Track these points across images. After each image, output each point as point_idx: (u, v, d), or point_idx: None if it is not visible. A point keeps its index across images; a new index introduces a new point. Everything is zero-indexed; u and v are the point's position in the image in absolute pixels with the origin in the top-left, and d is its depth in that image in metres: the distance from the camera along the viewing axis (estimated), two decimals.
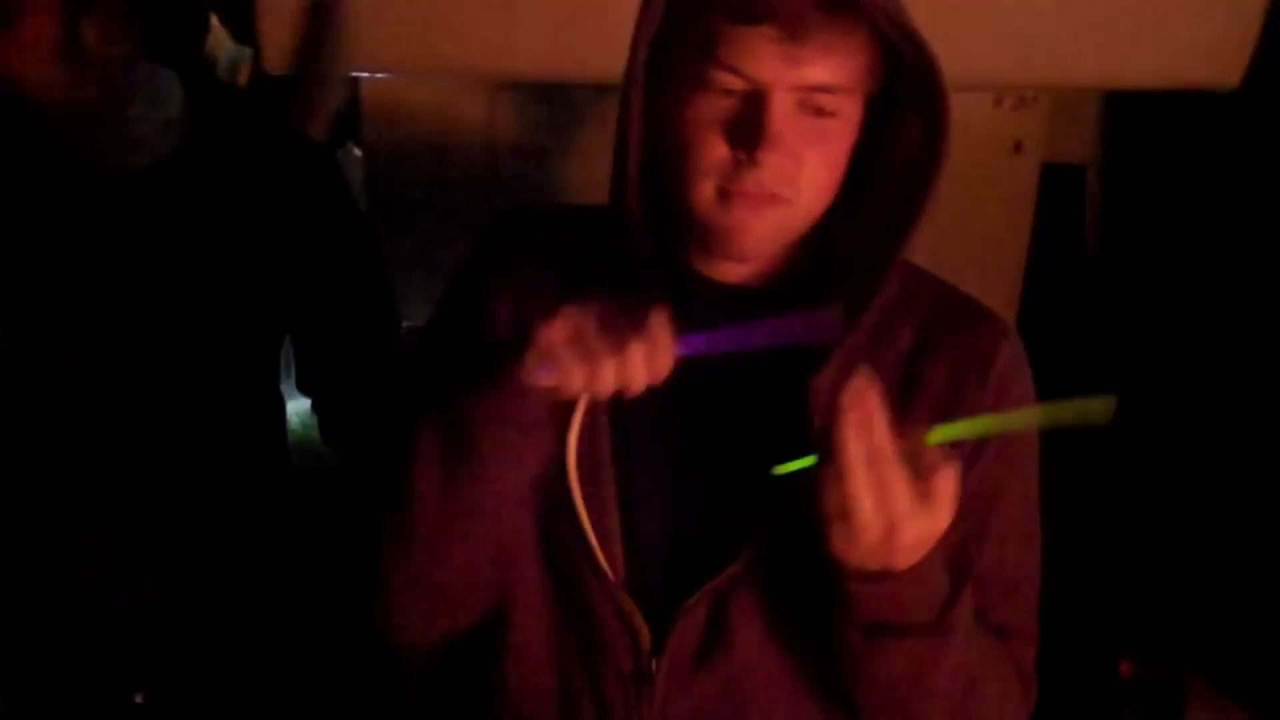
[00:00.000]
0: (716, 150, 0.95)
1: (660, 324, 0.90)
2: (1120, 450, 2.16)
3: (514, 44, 1.88)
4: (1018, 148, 2.24)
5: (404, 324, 1.64)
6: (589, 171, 2.19)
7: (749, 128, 0.94)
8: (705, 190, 0.97)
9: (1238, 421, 2.32)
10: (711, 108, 0.95)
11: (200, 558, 1.41)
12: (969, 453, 1.02)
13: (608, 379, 0.89)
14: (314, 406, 1.58)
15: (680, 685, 1.03)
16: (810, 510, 0.90)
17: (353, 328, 1.52)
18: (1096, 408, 0.84)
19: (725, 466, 1.03)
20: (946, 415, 1.00)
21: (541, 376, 0.90)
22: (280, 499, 1.52)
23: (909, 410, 1.00)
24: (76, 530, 1.34)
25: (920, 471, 0.87)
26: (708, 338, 0.92)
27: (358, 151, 2.22)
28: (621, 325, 0.89)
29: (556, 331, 0.89)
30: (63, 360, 1.30)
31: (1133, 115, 2.54)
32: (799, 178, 0.96)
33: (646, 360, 0.89)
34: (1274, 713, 1.84)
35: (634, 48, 0.98)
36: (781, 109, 0.93)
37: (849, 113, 0.97)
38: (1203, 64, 2.02)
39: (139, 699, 1.39)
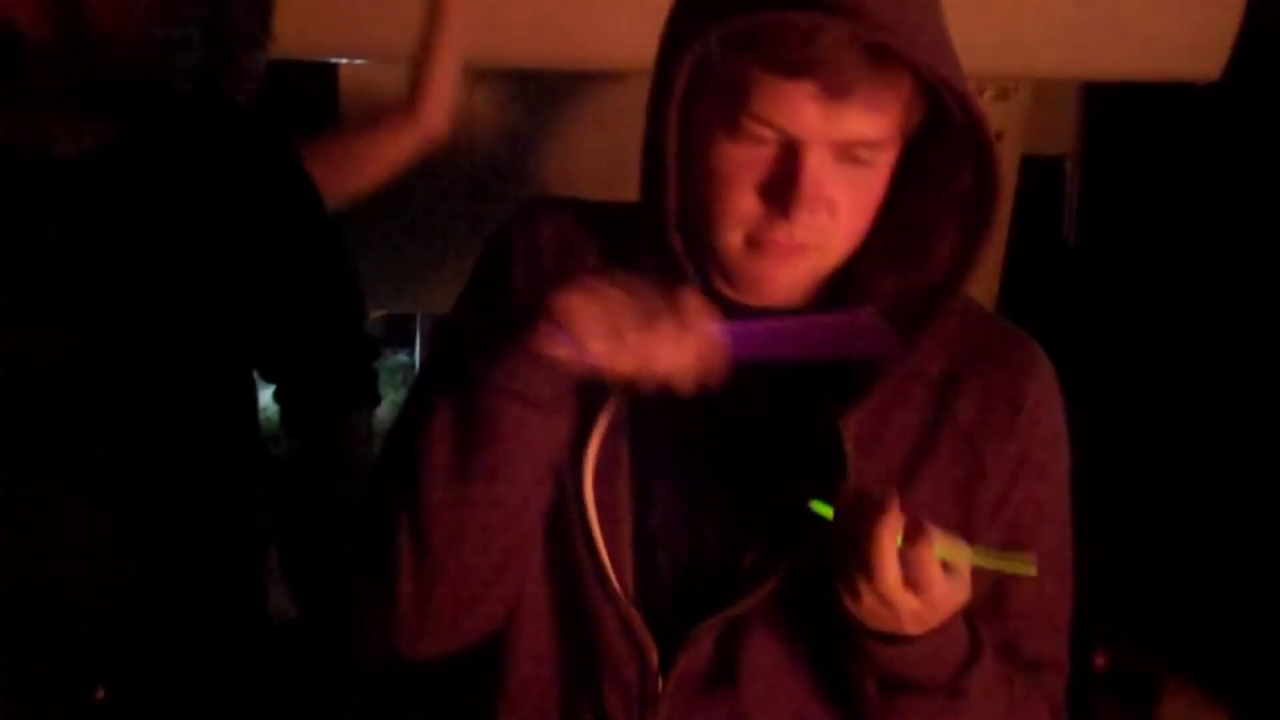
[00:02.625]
0: (747, 201, 0.91)
1: (693, 303, 0.85)
2: (1094, 440, 2.17)
3: (494, 30, 1.87)
4: (998, 138, 2.23)
5: (378, 313, 1.62)
6: (568, 159, 2.19)
7: (782, 182, 0.89)
8: (734, 239, 0.93)
9: (1213, 410, 2.34)
10: (743, 156, 0.90)
11: (168, 551, 1.39)
12: (995, 498, 0.99)
13: (629, 355, 0.83)
14: (275, 395, 1.56)
15: (686, 708, 1.01)
16: (826, 556, 0.89)
17: (314, 314, 1.50)
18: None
19: (745, 495, 0.99)
20: (973, 450, 0.98)
21: (557, 344, 0.84)
22: (253, 491, 1.50)
23: (935, 443, 0.98)
24: (42, 525, 1.32)
25: (918, 579, 0.85)
26: (740, 331, 0.87)
27: None
28: (650, 302, 0.84)
29: (576, 296, 0.84)
30: (31, 353, 1.28)
31: (1112, 107, 2.55)
32: (832, 229, 0.92)
33: (674, 341, 0.84)
34: (1250, 703, 1.85)
35: (665, 88, 0.91)
36: (817, 163, 0.88)
37: (887, 158, 0.92)
38: (1184, 57, 2.03)
39: (100, 695, 1.37)
